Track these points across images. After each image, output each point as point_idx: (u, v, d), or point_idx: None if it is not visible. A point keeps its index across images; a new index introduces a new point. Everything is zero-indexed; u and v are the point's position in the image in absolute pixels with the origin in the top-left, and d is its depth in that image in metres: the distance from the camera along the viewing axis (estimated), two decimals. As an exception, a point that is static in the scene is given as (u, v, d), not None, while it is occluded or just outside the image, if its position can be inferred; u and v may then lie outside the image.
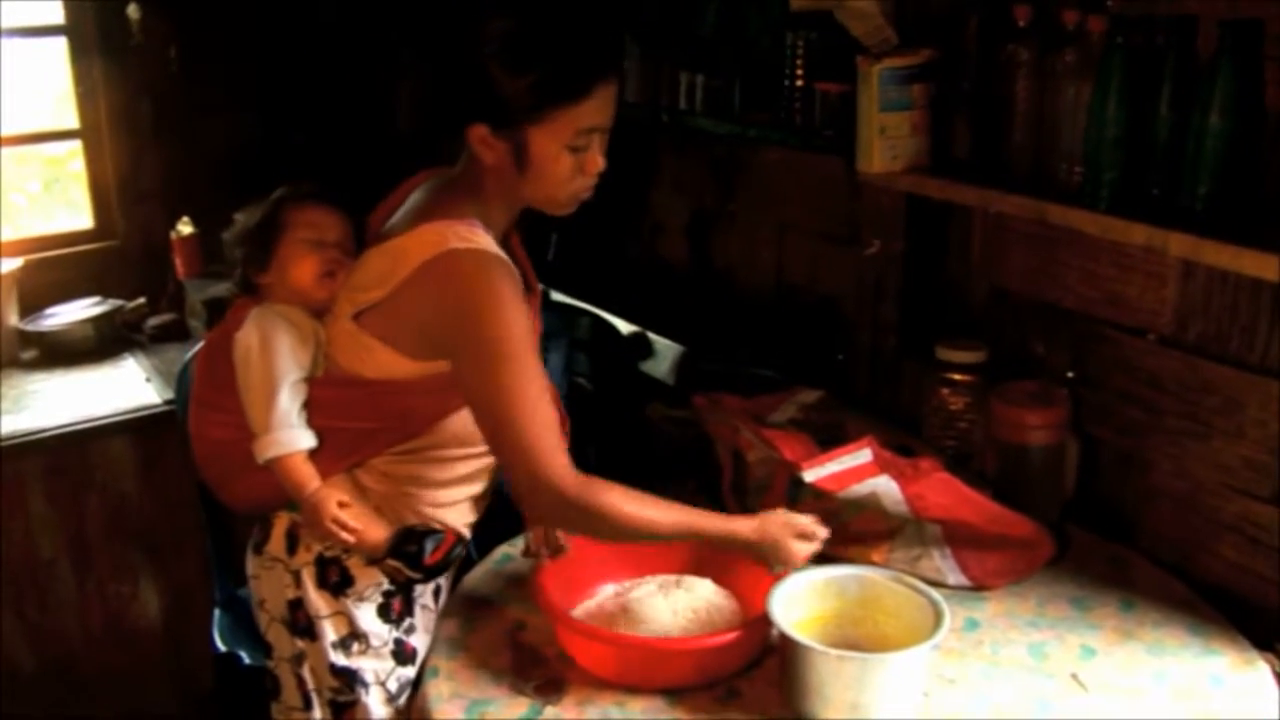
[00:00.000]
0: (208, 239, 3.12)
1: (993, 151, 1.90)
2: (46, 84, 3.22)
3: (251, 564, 1.78)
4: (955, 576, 1.77)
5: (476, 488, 1.74)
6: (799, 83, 2.36)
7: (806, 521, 1.67)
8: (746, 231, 2.75)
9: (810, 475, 1.84)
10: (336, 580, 1.66)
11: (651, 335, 2.91)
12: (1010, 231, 2.07)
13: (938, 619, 1.48)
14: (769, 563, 1.64)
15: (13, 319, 2.98)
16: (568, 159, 1.58)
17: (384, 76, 3.06)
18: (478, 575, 1.86)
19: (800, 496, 1.84)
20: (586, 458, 2.00)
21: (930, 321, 2.23)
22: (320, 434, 1.63)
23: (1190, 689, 1.54)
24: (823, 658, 1.44)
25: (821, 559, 1.77)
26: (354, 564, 1.66)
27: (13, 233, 3.08)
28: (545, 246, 2.52)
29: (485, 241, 1.57)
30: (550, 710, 1.53)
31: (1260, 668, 1.57)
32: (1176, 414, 1.84)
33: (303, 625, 1.68)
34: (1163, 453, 1.87)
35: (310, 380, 1.64)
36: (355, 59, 3.25)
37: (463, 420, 1.63)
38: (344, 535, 1.60)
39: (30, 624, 2.66)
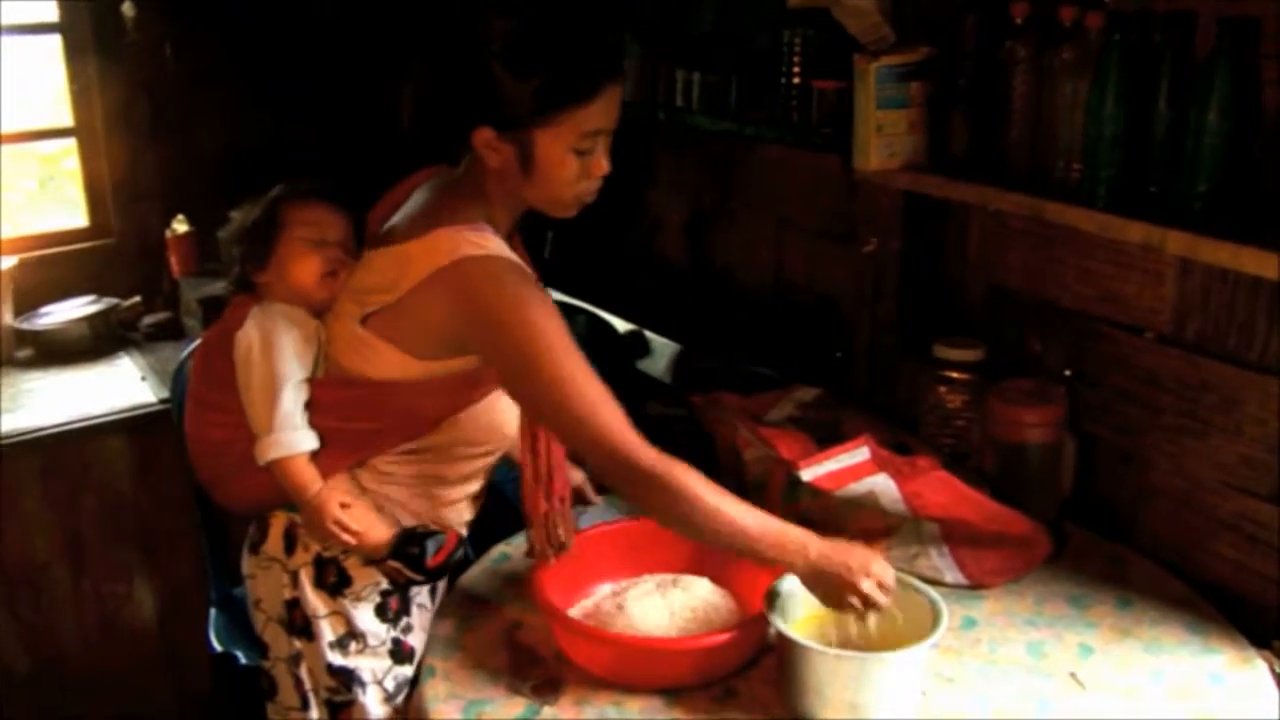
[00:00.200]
0: (203, 237, 3.11)
1: (990, 149, 1.90)
2: (41, 82, 3.21)
3: (248, 563, 1.77)
4: (953, 575, 1.76)
5: (474, 486, 1.74)
6: (796, 80, 2.36)
7: (877, 574, 1.49)
8: (744, 229, 2.74)
9: (807, 474, 1.84)
10: (334, 580, 1.65)
11: (649, 333, 2.91)
12: (1008, 229, 2.07)
13: (936, 618, 1.48)
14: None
15: (7, 318, 2.97)
16: (573, 161, 1.57)
17: (385, 74, 3.06)
18: (475, 574, 1.86)
19: (797, 495, 1.84)
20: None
21: (928, 319, 2.23)
22: (322, 434, 1.62)
23: (1188, 687, 1.54)
24: (820, 657, 1.44)
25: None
26: (352, 564, 1.66)
27: (7, 231, 3.07)
28: (542, 245, 2.51)
29: (497, 246, 1.57)
30: (547, 710, 1.53)
31: (1258, 666, 1.57)
32: (1174, 412, 1.83)
33: (300, 625, 1.67)
34: (1160, 451, 1.87)
35: (312, 381, 1.64)
36: (355, 56, 3.24)
37: (463, 420, 1.63)
38: (345, 537, 1.60)
39: (25, 624, 2.65)
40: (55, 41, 3.10)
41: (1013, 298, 2.10)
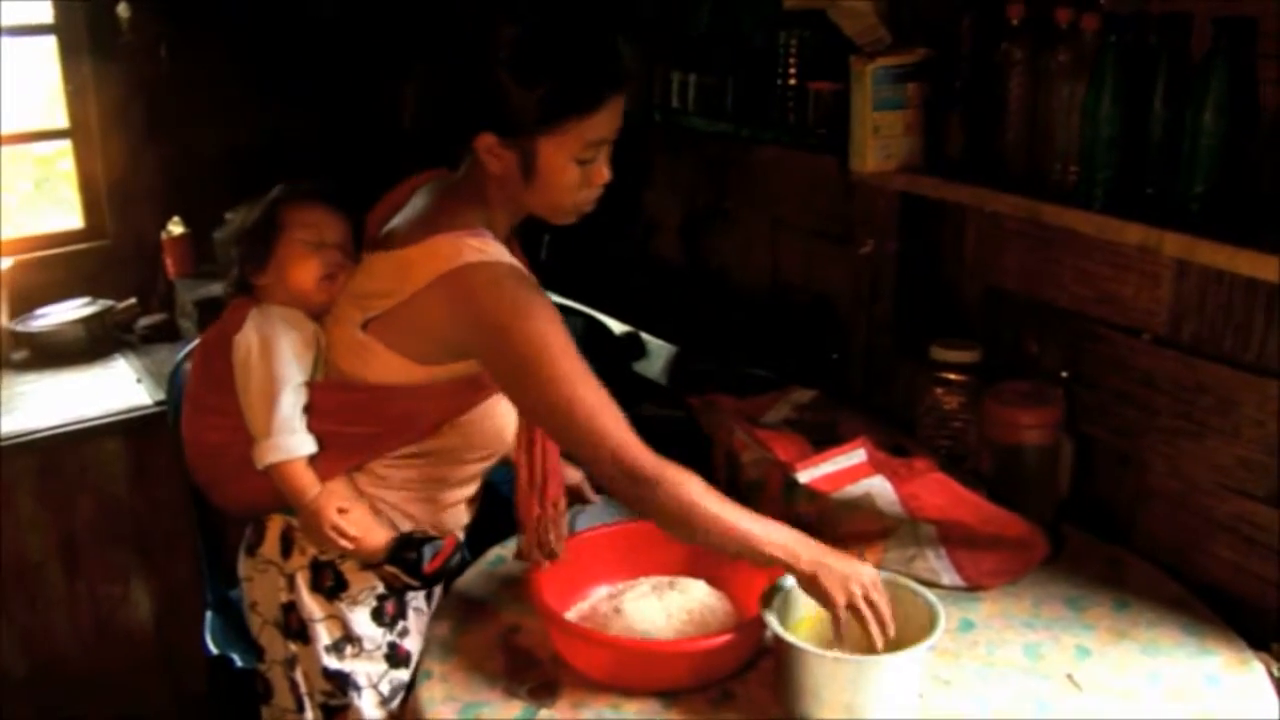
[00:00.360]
0: (199, 239, 3.11)
1: (987, 150, 1.90)
2: (36, 83, 3.21)
3: (244, 566, 1.77)
4: (950, 577, 1.76)
5: (472, 489, 1.74)
6: (792, 82, 2.36)
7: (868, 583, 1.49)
8: (740, 231, 2.74)
9: (804, 476, 1.83)
10: (331, 584, 1.65)
11: (645, 335, 2.90)
12: (1004, 231, 2.07)
13: (933, 621, 1.48)
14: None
15: (3, 319, 2.97)
16: (575, 170, 1.57)
17: (384, 75, 3.05)
18: (471, 577, 1.86)
19: (794, 498, 1.84)
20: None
21: (924, 321, 2.22)
22: (321, 438, 1.61)
23: (1185, 689, 1.54)
24: (817, 660, 1.44)
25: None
26: (348, 568, 1.65)
27: (2, 232, 3.06)
28: (538, 246, 2.51)
29: (498, 251, 1.57)
30: (544, 713, 1.53)
31: (1256, 668, 1.57)
32: (1171, 413, 1.83)
33: (296, 628, 1.67)
34: (1157, 452, 1.87)
35: (311, 384, 1.63)
36: (354, 56, 3.24)
37: (461, 425, 1.62)
38: (343, 542, 1.59)
39: (21, 626, 2.64)
40: (50, 43, 3.09)
41: (1009, 299, 2.09)
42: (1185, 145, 1.57)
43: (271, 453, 1.59)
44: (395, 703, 1.69)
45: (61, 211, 3.34)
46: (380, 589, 1.66)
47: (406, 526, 1.66)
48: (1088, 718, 1.50)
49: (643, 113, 2.73)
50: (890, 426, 2.13)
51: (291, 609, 1.67)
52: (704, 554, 1.74)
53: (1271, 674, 1.56)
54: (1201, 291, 1.77)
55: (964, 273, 2.18)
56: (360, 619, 1.66)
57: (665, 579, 1.74)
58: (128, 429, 2.67)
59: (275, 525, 1.69)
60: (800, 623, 1.56)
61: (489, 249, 1.55)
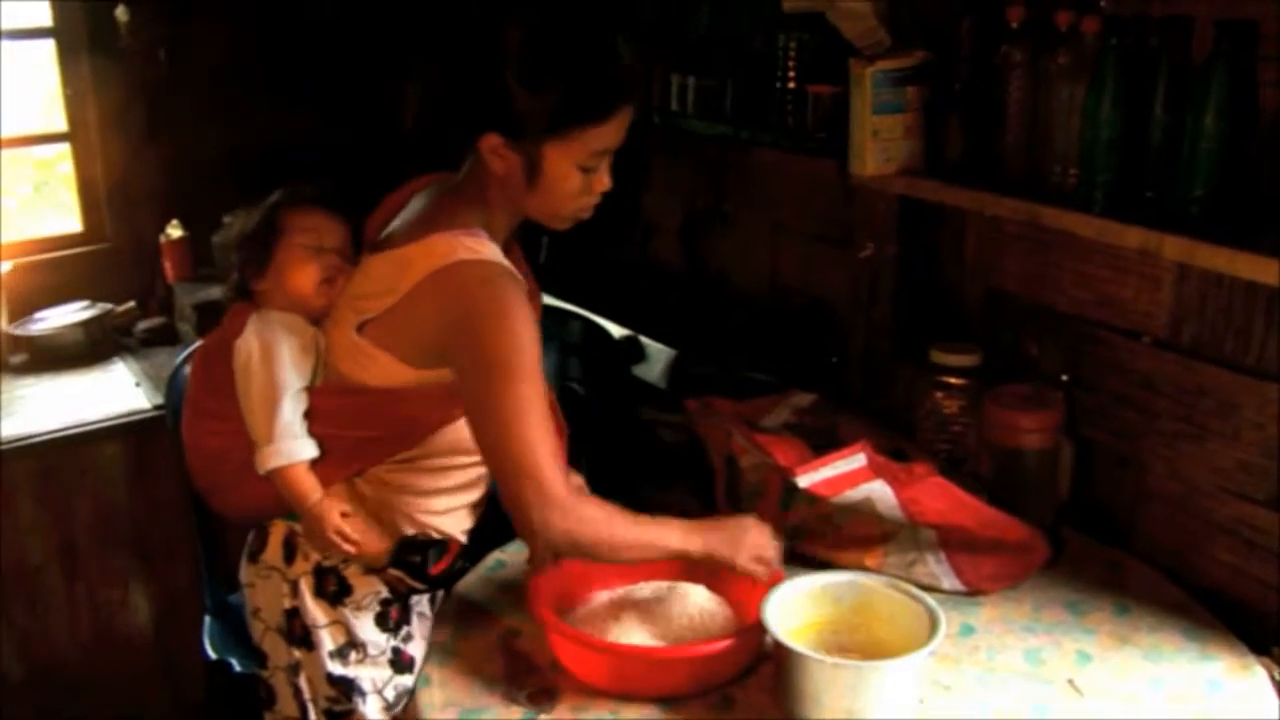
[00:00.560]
0: (197, 242, 3.11)
1: (986, 154, 1.89)
2: (35, 86, 3.20)
3: (246, 572, 1.76)
4: (950, 581, 1.76)
5: (474, 495, 1.73)
6: (791, 85, 2.36)
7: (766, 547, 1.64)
8: (739, 234, 2.74)
9: (804, 480, 1.83)
10: (334, 589, 1.64)
11: (644, 339, 2.90)
12: (1004, 234, 2.07)
13: (933, 625, 1.47)
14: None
15: (2, 323, 2.96)
16: (577, 177, 1.57)
17: (384, 77, 3.05)
18: (470, 582, 1.85)
19: (794, 502, 1.83)
20: (579, 463, 1.99)
21: (924, 324, 2.22)
22: (321, 443, 1.61)
23: (1187, 694, 1.53)
24: (818, 665, 1.43)
25: (816, 565, 1.77)
26: (352, 573, 1.65)
27: (2, 236, 3.06)
28: (537, 249, 2.51)
29: (493, 253, 1.56)
30: (544, 718, 1.52)
31: (1258, 673, 1.57)
32: (1171, 416, 1.83)
33: (299, 634, 1.66)
34: (1157, 455, 1.86)
35: (311, 389, 1.63)
36: (354, 59, 3.23)
37: (464, 428, 1.62)
38: (346, 546, 1.59)
39: (19, 629, 2.64)
40: (49, 46, 3.09)
41: (1009, 302, 2.09)
42: (1185, 148, 1.57)
43: (274, 458, 1.58)
44: (400, 708, 1.68)
45: (60, 215, 3.34)
46: (384, 594, 1.66)
47: (409, 530, 1.66)
48: (1089, 723, 1.50)
49: (641, 115, 2.73)
50: (890, 430, 2.13)
51: (295, 615, 1.66)
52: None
53: (1273, 679, 1.56)
54: (1202, 294, 1.77)
55: (964, 276, 2.18)
56: (364, 624, 1.65)
57: (664, 584, 1.73)
58: (127, 433, 2.66)
59: (278, 531, 1.69)
60: (800, 628, 1.55)
61: (483, 249, 1.55)
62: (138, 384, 2.82)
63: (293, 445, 1.59)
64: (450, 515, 1.70)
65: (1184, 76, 1.58)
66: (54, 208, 3.43)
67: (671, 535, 1.59)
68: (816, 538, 1.84)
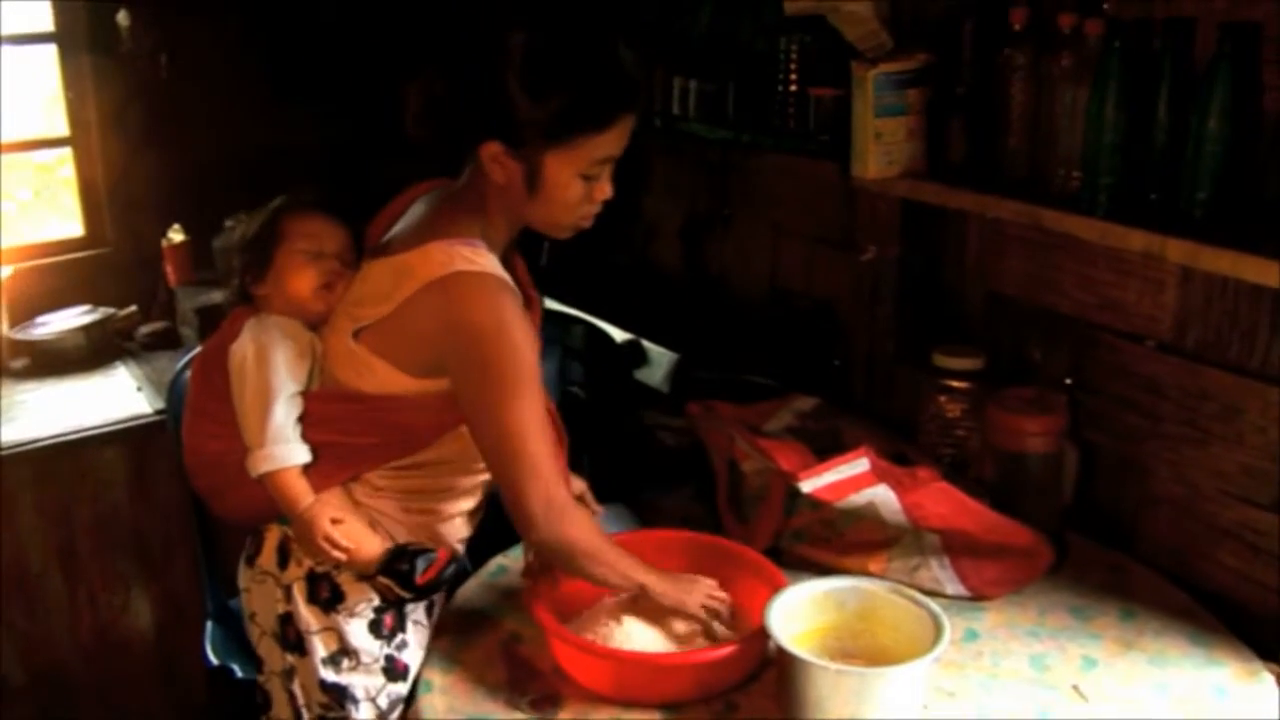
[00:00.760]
0: (199, 246, 3.10)
1: (989, 156, 1.89)
2: (37, 90, 3.20)
3: (243, 576, 1.76)
4: (954, 586, 1.75)
5: (470, 503, 1.73)
6: (793, 87, 2.35)
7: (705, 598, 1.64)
8: (741, 237, 2.73)
9: (807, 485, 1.82)
10: (327, 596, 1.64)
11: (646, 343, 2.89)
12: (1007, 237, 2.06)
13: (937, 631, 1.46)
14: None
15: (3, 327, 2.96)
16: (579, 186, 1.57)
17: (386, 82, 3.03)
18: (472, 587, 1.85)
19: (797, 507, 1.83)
20: (581, 467, 1.99)
21: (927, 327, 2.21)
22: (316, 448, 1.61)
23: (1193, 700, 1.53)
24: (821, 672, 1.43)
25: (819, 570, 1.76)
26: (345, 579, 1.64)
27: (3, 240, 3.06)
28: (538, 253, 2.50)
29: (490, 264, 1.56)
30: (546, 725, 1.52)
31: (1264, 678, 1.56)
32: (1175, 420, 1.82)
33: (293, 640, 1.66)
34: (1161, 459, 1.86)
35: (307, 394, 1.63)
36: (355, 63, 3.22)
37: (460, 436, 1.61)
38: (336, 553, 1.58)
39: (20, 634, 2.63)
40: (50, 50, 3.08)
41: (1012, 305, 2.08)
42: (1189, 151, 1.56)
43: (265, 462, 1.58)
44: (394, 716, 1.67)
45: (62, 219, 3.33)
46: (377, 601, 1.65)
47: (403, 538, 1.65)
48: (1094, 729, 1.49)
49: (643, 119, 2.72)
50: (893, 434, 2.12)
51: (289, 620, 1.66)
52: (705, 563, 1.74)
53: None
54: (1206, 298, 1.76)
55: (966, 279, 2.17)
56: (357, 631, 1.64)
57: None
58: (128, 437, 2.65)
59: (273, 536, 1.69)
60: (804, 634, 1.55)
61: (481, 259, 1.55)
62: (139, 388, 2.81)
63: (284, 450, 1.58)
64: (448, 523, 1.70)
65: (1187, 79, 1.57)
66: (55, 212, 3.43)
67: (639, 568, 1.61)
68: (820, 543, 1.83)
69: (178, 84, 3.15)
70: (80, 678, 2.71)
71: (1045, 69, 1.77)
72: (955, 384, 2.02)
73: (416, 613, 1.71)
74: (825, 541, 1.82)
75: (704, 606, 1.61)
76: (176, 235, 3.14)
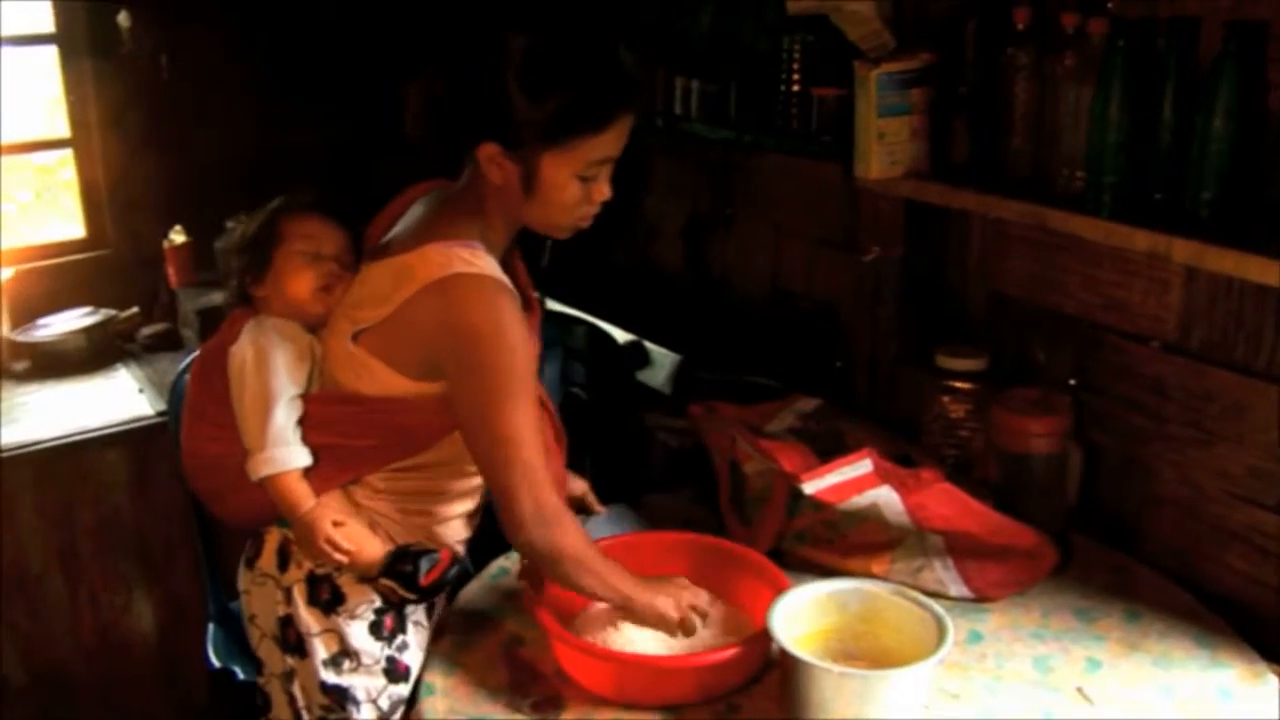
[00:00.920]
0: (200, 247, 3.09)
1: (992, 156, 1.88)
2: (37, 92, 3.20)
3: (243, 579, 1.75)
4: (957, 588, 1.74)
5: (470, 504, 1.72)
6: (795, 87, 2.35)
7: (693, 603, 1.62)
8: (743, 238, 2.73)
9: (810, 487, 1.81)
10: (327, 598, 1.63)
11: (647, 344, 2.89)
12: (1010, 237, 2.05)
13: (941, 633, 1.46)
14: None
15: (4, 329, 2.96)
16: (576, 187, 1.56)
17: (385, 83, 3.03)
18: (473, 589, 1.84)
19: (799, 508, 1.82)
20: (583, 468, 1.98)
21: (930, 328, 2.21)
22: (316, 451, 1.60)
23: (1198, 702, 1.52)
24: (824, 674, 1.42)
25: (822, 572, 1.76)
26: (345, 581, 1.63)
27: (4, 242, 3.05)
28: (539, 254, 2.50)
29: (489, 266, 1.55)
30: (548, 728, 1.51)
31: (1270, 680, 1.55)
32: (1180, 421, 1.81)
33: (293, 642, 1.65)
34: (1166, 460, 1.85)
35: (306, 396, 1.62)
36: (355, 64, 3.22)
37: (459, 439, 1.61)
38: (337, 556, 1.58)
39: (22, 635, 2.63)
40: (51, 52, 3.08)
41: (1016, 306, 2.08)
42: (1194, 150, 1.56)
43: (265, 465, 1.57)
44: (395, 718, 1.67)
45: (63, 221, 3.33)
46: (378, 603, 1.65)
47: (403, 540, 1.64)
48: (1098, 731, 1.48)
49: (644, 119, 2.72)
50: (895, 435, 2.11)
51: (289, 622, 1.65)
52: (708, 565, 1.74)
53: (1285, 686, 1.55)
54: (1211, 298, 1.75)
55: (969, 279, 2.17)
56: (358, 633, 1.64)
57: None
58: (130, 439, 2.65)
59: (273, 538, 1.68)
60: (807, 636, 1.54)
61: (479, 262, 1.54)
62: (141, 390, 2.81)
63: (285, 453, 1.58)
64: (446, 525, 1.69)
65: (1192, 78, 1.56)
66: (56, 213, 3.43)
67: (627, 579, 1.59)
68: (822, 544, 1.82)
69: (178, 85, 3.14)
70: (81, 679, 2.71)
71: (1049, 68, 1.76)
72: (958, 385, 2.01)
73: (417, 614, 1.70)
74: (828, 543, 1.82)
75: (684, 620, 1.59)
76: (178, 236, 3.14)
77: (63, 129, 3.14)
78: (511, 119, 1.50)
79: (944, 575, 1.75)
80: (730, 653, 1.54)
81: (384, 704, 1.66)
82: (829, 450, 1.92)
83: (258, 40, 3.22)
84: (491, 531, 1.80)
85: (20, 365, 2.94)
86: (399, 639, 1.67)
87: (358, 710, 1.64)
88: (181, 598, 2.73)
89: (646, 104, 2.72)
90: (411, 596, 1.62)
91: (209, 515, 1.94)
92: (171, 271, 3.14)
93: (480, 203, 1.60)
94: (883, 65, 1.94)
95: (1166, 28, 1.59)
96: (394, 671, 1.66)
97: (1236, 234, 1.53)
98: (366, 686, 1.65)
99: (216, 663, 2.18)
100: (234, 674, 2.12)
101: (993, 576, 1.75)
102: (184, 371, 2.21)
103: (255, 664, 1.76)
